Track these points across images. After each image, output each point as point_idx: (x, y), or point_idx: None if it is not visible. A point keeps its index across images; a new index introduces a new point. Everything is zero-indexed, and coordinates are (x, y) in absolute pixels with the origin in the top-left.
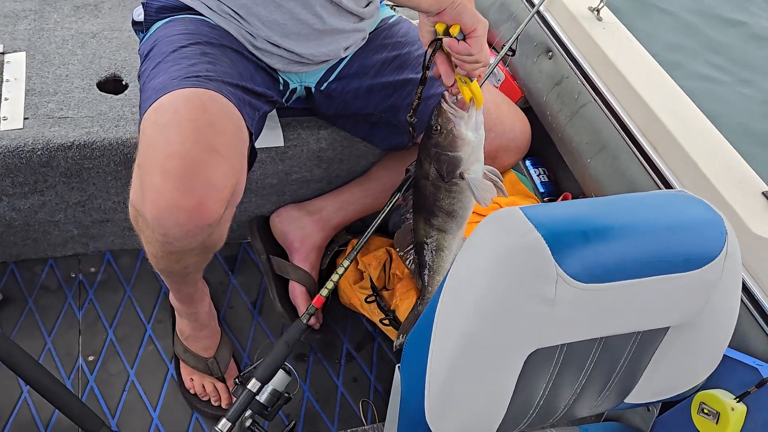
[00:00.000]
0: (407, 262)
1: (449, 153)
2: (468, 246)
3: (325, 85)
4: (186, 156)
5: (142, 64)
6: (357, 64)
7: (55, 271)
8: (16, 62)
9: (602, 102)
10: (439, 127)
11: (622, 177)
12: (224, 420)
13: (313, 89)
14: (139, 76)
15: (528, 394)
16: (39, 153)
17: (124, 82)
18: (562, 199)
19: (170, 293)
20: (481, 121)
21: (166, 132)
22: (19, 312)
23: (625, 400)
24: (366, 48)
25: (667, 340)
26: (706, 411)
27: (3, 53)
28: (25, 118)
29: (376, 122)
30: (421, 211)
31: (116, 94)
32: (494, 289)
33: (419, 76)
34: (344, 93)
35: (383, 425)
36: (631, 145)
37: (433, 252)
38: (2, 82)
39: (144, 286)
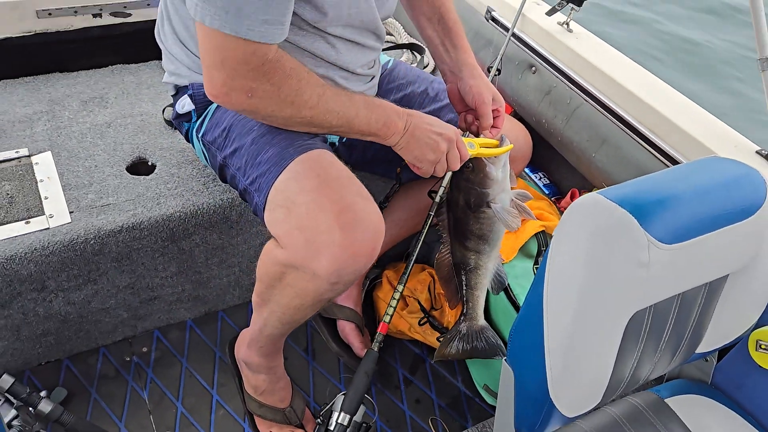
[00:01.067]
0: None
1: (478, 189)
2: (560, 236)
3: (345, 137)
4: (355, 208)
5: (222, 147)
6: None
7: (109, 359)
8: (45, 162)
9: (594, 101)
10: (471, 166)
11: (629, 163)
12: None
13: (336, 143)
14: (225, 157)
15: (625, 358)
16: (92, 242)
17: (150, 163)
18: (570, 196)
19: (250, 353)
20: (507, 161)
21: (324, 193)
22: (86, 404)
23: (696, 351)
24: (377, 94)
25: (727, 287)
26: (763, 346)
27: (29, 155)
28: (70, 212)
29: (393, 159)
30: (456, 236)
31: (147, 175)
32: (597, 264)
33: (426, 111)
34: (363, 141)
35: (479, 429)
36: (631, 133)
37: (470, 272)
38: (37, 182)
39: (198, 355)
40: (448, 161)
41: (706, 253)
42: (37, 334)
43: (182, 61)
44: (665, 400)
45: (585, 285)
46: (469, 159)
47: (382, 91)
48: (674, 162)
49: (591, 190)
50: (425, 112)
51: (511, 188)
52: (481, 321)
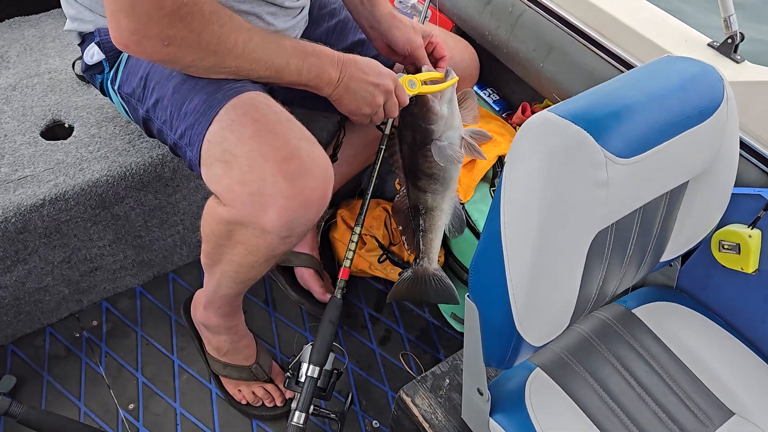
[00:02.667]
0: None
1: (422, 124)
2: (512, 161)
3: None
4: (300, 153)
5: (142, 99)
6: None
7: (57, 337)
8: None
9: (537, 6)
10: (415, 100)
11: (580, 70)
12: (297, 413)
13: None
14: (148, 110)
15: (590, 280)
16: (13, 221)
17: (67, 125)
18: (521, 111)
19: (207, 315)
20: (454, 95)
21: (264, 140)
22: (39, 389)
23: (660, 260)
24: (307, 26)
25: (688, 193)
26: (726, 246)
27: None
28: None
29: None
30: (408, 175)
31: (65, 139)
32: (554, 187)
33: (363, 36)
34: None
35: (449, 363)
36: (578, 38)
37: (424, 213)
38: None
39: (152, 322)
40: (386, 110)
41: (666, 162)
42: None
43: (83, 2)
44: (632, 311)
45: (543, 211)
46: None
47: (313, 18)
48: (625, 65)
49: (543, 102)
50: (362, 37)
51: (473, 125)
52: (434, 265)
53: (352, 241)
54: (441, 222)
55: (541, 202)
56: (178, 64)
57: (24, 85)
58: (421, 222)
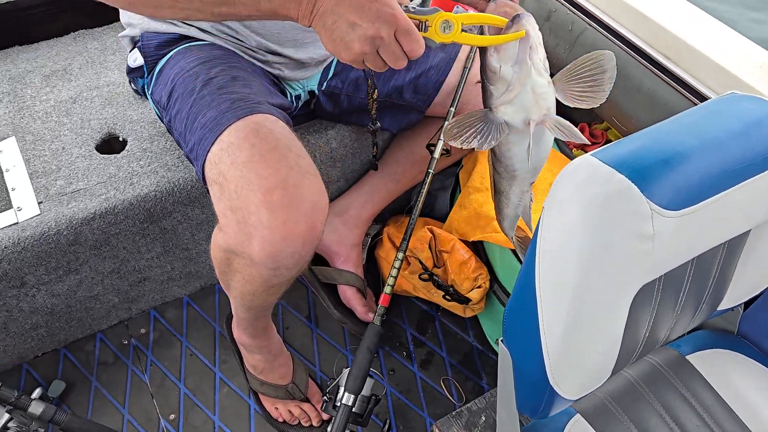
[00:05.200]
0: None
1: (483, 79)
2: (551, 204)
3: (325, 84)
4: (286, 185)
5: (167, 107)
6: None
7: (107, 344)
8: (9, 149)
9: (598, 24)
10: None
11: (641, 94)
12: None
13: (316, 91)
14: (170, 120)
15: (635, 330)
16: (65, 233)
17: (121, 139)
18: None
19: (239, 333)
20: (525, 57)
21: (253, 168)
22: (87, 393)
23: (718, 308)
24: None
25: (750, 241)
26: None
27: None
28: (39, 203)
29: (381, 107)
30: None
31: (118, 152)
32: (594, 239)
33: None
34: (345, 86)
35: (487, 399)
36: (639, 58)
37: (494, 191)
38: (3, 172)
39: (197, 332)
40: (384, 58)
41: (723, 213)
42: (26, 328)
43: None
44: (686, 357)
45: (581, 263)
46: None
47: None
48: (690, 90)
49: (603, 124)
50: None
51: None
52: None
53: (394, 267)
54: (508, 211)
55: (579, 255)
56: None
57: (84, 98)
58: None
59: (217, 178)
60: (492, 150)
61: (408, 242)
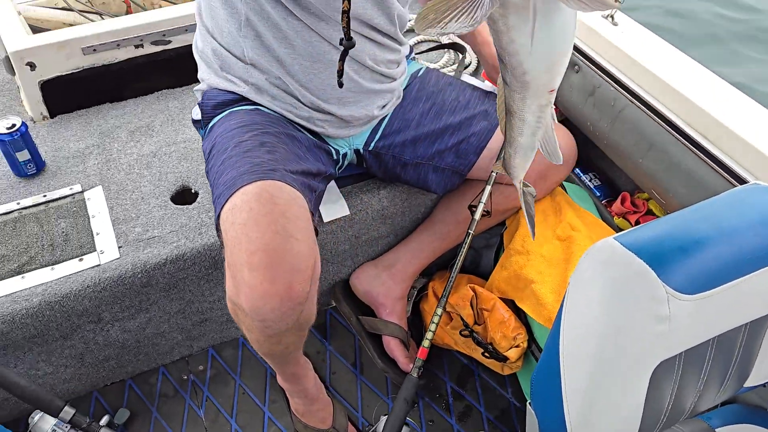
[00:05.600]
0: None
1: None
2: (576, 280)
3: (372, 144)
4: (268, 248)
5: (207, 161)
6: (398, 121)
7: (168, 378)
8: (96, 197)
9: (640, 103)
10: None
11: (678, 169)
12: None
13: (362, 150)
14: (207, 173)
15: (657, 403)
16: (140, 276)
17: (193, 191)
18: (620, 200)
19: (277, 376)
20: None
21: (245, 230)
22: (148, 424)
23: (744, 385)
24: (403, 103)
25: None
26: None
27: (82, 191)
28: (119, 247)
29: (426, 170)
30: None
31: (190, 203)
32: (612, 317)
33: (457, 119)
34: (391, 149)
35: None
36: (680, 138)
37: (507, 114)
38: (90, 218)
39: (250, 371)
40: None
41: (741, 297)
42: (100, 359)
43: (204, 62)
44: (716, 430)
45: (602, 336)
46: None
47: (411, 99)
48: (727, 170)
49: (645, 194)
50: (455, 121)
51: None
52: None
53: (433, 322)
54: (521, 139)
55: (599, 330)
56: None
57: (163, 153)
58: (505, 127)
59: (223, 234)
60: (500, 58)
61: (447, 298)
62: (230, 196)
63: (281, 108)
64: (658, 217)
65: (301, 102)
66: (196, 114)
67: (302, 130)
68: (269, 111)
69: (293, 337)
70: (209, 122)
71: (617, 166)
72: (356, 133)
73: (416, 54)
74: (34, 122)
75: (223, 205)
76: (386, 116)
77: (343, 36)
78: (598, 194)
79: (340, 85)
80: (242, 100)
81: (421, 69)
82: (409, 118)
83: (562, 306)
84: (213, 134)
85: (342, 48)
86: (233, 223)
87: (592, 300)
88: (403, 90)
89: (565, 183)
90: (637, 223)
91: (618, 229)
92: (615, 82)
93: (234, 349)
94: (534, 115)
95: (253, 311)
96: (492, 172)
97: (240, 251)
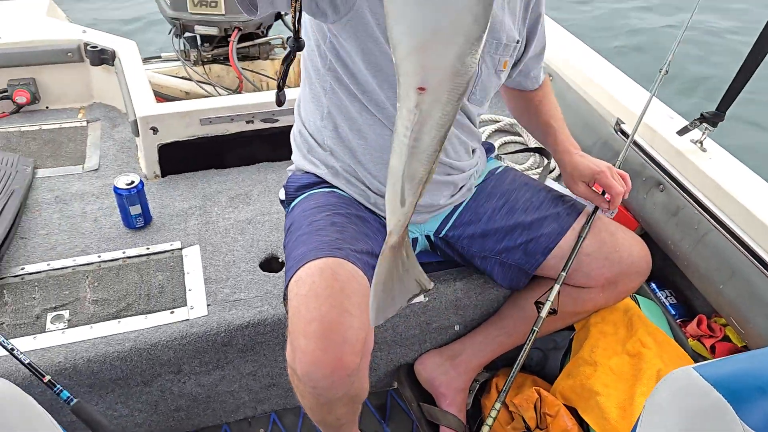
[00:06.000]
0: None
1: None
2: (651, 405)
3: (443, 232)
4: (324, 319)
5: (285, 236)
6: (470, 213)
7: None
8: (193, 255)
9: (724, 229)
10: None
11: (760, 301)
12: None
13: (432, 237)
14: (284, 247)
15: None
16: (222, 335)
17: (280, 260)
18: (696, 322)
19: None
20: None
21: (306, 301)
22: None
23: None
24: (477, 197)
25: None
26: None
27: (181, 248)
28: (208, 305)
29: (493, 263)
30: None
31: (276, 272)
32: None
33: (528, 218)
34: (461, 239)
35: None
36: (762, 268)
37: None
38: (185, 274)
39: None
40: None
41: None
42: (171, 409)
43: (296, 145)
44: None
45: None
46: None
47: (485, 194)
48: None
49: (721, 320)
50: (527, 220)
51: None
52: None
53: (491, 416)
54: (393, 160)
55: None
56: None
57: (257, 221)
58: None
59: (289, 302)
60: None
61: (506, 395)
62: (297, 269)
63: (354, 192)
64: (734, 344)
65: (370, 189)
66: (282, 194)
67: (374, 212)
68: (343, 193)
69: (344, 408)
70: (291, 202)
71: (696, 287)
72: (423, 221)
73: (503, 154)
74: (147, 179)
75: (291, 278)
76: (460, 207)
77: None
78: (673, 313)
79: (279, 102)
80: (321, 182)
81: (500, 167)
82: (481, 213)
83: (634, 428)
84: (293, 213)
85: None
86: (297, 294)
87: (667, 426)
88: (479, 185)
89: (639, 297)
90: (713, 348)
91: (691, 351)
92: (699, 206)
93: (295, 417)
94: (402, 125)
95: (305, 376)
96: (561, 271)
97: (299, 320)
